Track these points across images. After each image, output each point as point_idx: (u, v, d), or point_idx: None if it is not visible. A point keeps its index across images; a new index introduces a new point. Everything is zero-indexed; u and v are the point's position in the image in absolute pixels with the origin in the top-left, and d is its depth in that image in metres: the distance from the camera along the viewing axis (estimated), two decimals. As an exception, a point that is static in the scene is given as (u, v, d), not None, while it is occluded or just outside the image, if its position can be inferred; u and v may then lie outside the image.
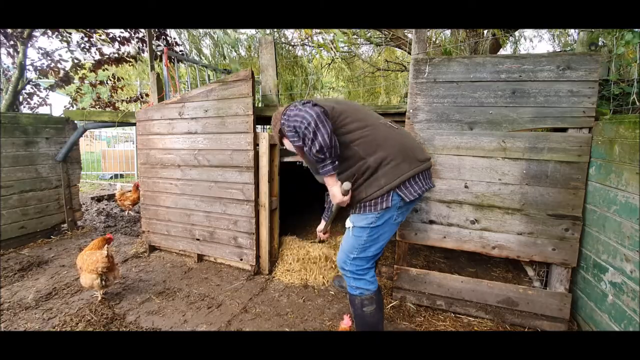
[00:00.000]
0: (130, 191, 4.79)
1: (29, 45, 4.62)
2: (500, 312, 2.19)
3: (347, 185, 1.49)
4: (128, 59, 5.47)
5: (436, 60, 2.18)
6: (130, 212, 4.90)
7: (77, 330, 2.02)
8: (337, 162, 1.49)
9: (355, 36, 5.87)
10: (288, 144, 1.69)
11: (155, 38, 5.39)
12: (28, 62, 4.79)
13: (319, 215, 2.17)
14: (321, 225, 2.12)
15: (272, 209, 2.89)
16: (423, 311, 2.31)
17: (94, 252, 2.25)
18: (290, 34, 6.26)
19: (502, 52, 5.06)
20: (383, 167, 1.50)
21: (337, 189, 1.52)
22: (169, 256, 3.29)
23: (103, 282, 2.25)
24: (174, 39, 5.96)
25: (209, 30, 6.00)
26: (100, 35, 5.20)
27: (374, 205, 1.53)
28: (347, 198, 1.54)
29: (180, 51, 5.91)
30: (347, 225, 1.69)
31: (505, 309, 2.18)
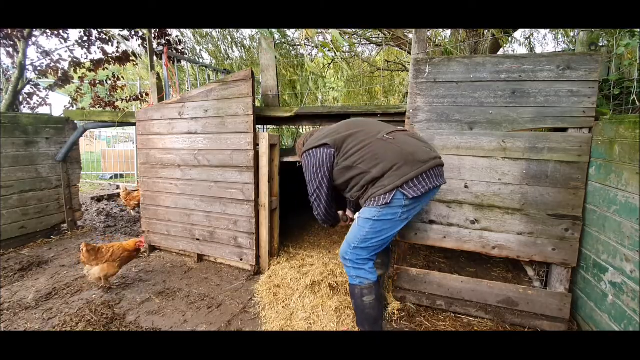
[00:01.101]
0: (135, 191, 4.81)
1: (29, 44, 4.62)
2: (500, 312, 2.19)
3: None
4: (131, 59, 5.47)
5: (436, 60, 2.18)
6: (131, 211, 4.91)
7: (77, 330, 2.02)
8: (332, 224, 2.05)
9: (355, 36, 5.87)
10: None
11: (156, 37, 5.38)
12: (28, 62, 4.79)
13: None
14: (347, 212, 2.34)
15: (272, 209, 2.89)
16: (423, 311, 2.31)
17: None
18: (291, 33, 6.25)
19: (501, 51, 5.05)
20: (387, 173, 1.66)
21: None
22: (169, 256, 3.29)
23: (86, 272, 2.48)
24: (177, 37, 5.95)
25: (210, 30, 6.00)
26: (99, 34, 5.19)
27: (377, 200, 1.68)
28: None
29: (182, 50, 5.91)
30: (354, 217, 1.89)
31: (505, 309, 2.18)
